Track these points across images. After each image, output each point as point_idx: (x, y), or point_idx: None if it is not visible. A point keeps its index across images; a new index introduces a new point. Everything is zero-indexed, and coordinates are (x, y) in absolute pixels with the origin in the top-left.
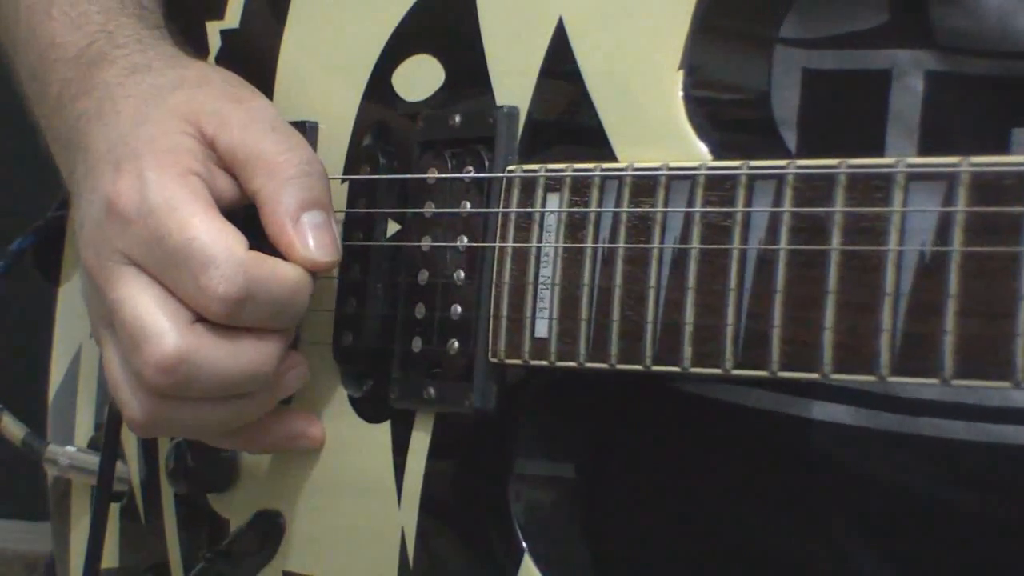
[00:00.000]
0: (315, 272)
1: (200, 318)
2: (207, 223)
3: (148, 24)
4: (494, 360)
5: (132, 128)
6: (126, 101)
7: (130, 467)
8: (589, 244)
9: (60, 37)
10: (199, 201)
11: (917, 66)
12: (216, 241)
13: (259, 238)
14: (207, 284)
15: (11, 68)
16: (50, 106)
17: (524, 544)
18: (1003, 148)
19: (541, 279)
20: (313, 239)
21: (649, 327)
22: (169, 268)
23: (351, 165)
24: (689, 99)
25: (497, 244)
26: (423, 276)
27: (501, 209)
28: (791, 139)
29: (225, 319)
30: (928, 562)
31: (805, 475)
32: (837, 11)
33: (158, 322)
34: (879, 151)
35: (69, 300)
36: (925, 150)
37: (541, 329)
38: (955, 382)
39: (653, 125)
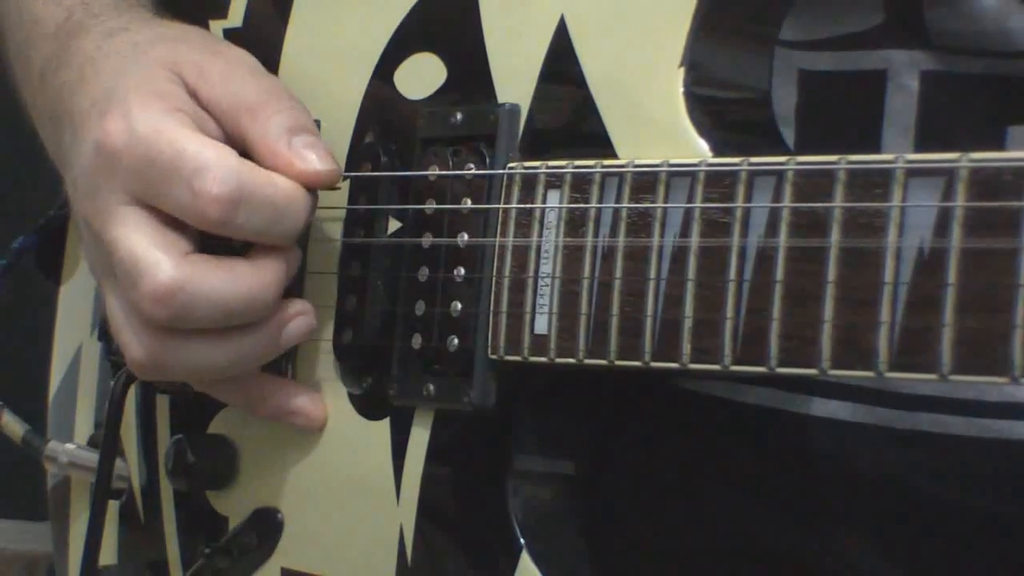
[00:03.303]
0: (317, 187)
1: (194, 250)
2: (196, 137)
3: None
4: (494, 357)
5: (114, 81)
6: (106, 61)
7: (129, 464)
8: (589, 240)
9: (41, 14)
10: (187, 126)
11: (912, 66)
12: (206, 149)
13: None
14: (201, 187)
15: (3, 54)
16: (34, 83)
17: (522, 541)
18: (999, 146)
19: (541, 275)
20: (310, 153)
21: (648, 323)
22: (162, 185)
23: (353, 163)
24: (690, 97)
25: (497, 241)
26: (423, 273)
27: (502, 205)
28: (789, 139)
29: (222, 224)
30: (927, 558)
31: (804, 471)
32: (832, 13)
33: (152, 254)
34: (876, 151)
35: (70, 299)
36: (921, 149)
37: (541, 325)
38: (953, 378)
39: (654, 123)
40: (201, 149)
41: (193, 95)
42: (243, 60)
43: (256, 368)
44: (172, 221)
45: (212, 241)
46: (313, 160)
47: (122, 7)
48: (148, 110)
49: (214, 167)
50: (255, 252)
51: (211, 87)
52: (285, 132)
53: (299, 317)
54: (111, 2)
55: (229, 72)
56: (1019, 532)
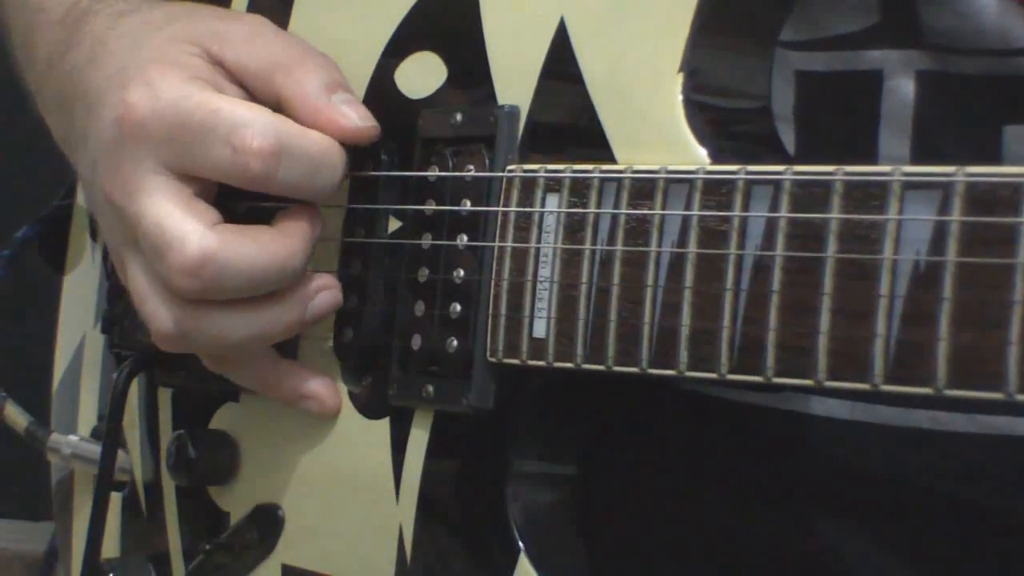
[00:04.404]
0: (358, 143)
1: (221, 220)
2: (225, 97)
3: None
4: (492, 359)
5: (129, 57)
6: (119, 40)
7: (132, 458)
8: (587, 246)
9: (47, 1)
10: (210, 91)
11: (908, 66)
12: (239, 106)
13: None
14: (241, 143)
15: (7, 42)
16: (39, 70)
17: (520, 543)
18: (995, 146)
19: (540, 279)
20: (351, 111)
21: (646, 330)
22: (197, 146)
23: (352, 162)
24: (689, 103)
25: (496, 243)
26: (423, 274)
27: (501, 208)
28: (788, 140)
29: (263, 179)
30: (928, 555)
31: (803, 470)
32: (828, 13)
33: (180, 225)
34: (872, 151)
35: (74, 289)
36: (918, 149)
37: (539, 329)
38: (948, 392)
39: (652, 128)
40: (234, 106)
41: (218, 63)
42: (263, 22)
43: (273, 351)
44: (201, 191)
45: (232, 213)
46: (353, 117)
47: None
48: (171, 77)
49: (251, 122)
50: (279, 219)
51: (236, 51)
52: (324, 89)
53: (325, 291)
54: None
55: (253, 34)
56: (1020, 529)
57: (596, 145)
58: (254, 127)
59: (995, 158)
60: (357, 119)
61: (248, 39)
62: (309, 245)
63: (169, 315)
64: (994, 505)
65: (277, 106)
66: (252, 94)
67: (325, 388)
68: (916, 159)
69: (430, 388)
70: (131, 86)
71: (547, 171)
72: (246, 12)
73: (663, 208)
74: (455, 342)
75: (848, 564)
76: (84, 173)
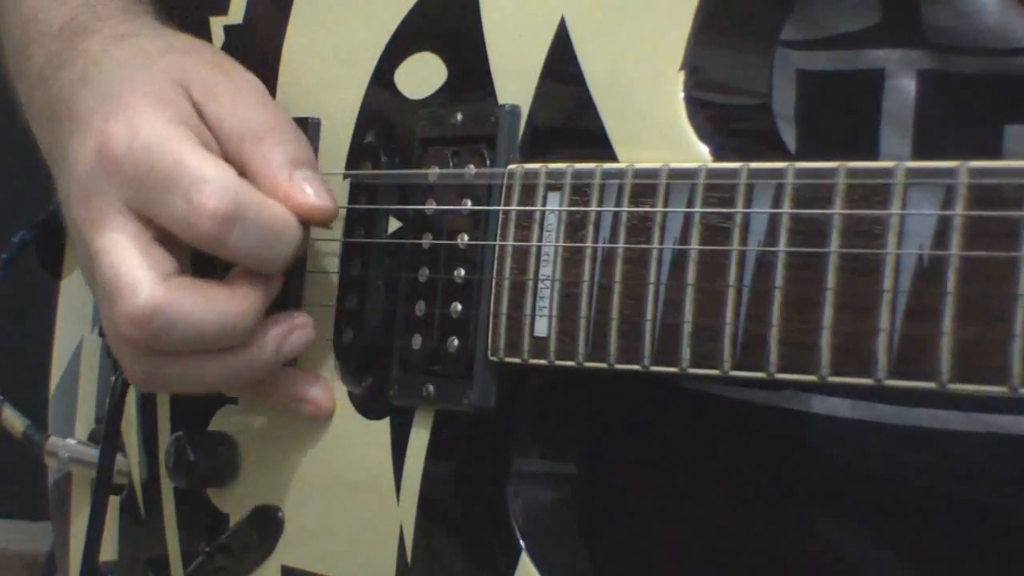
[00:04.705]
0: (312, 221)
1: (178, 271)
2: (199, 151)
3: None
4: (493, 358)
5: (120, 85)
6: (112, 63)
7: (130, 460)
8: (589, 244)
9: (43, 13)
10: (190, 139)
11: (910, 65)
12: (207, 163)
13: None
14: (198, 199)
15: (1, 53)
16: (31, 81)
17: (521, 543)
18: (996, 145)
19: (541, 278)
20: (309, 188)
21: (648, 327)
22: (158, 193)
23: (353, 162)
24: (690, 100)
25: (497, 243)
26: (423, 274)
27: (502, 207)
28: (789, 139)
29: (215, 241)
30: (928, 555)
31: (804, 470)
32: (830, 12)
33: (133, 273)
34: (873, 150)
35: (71, 293)
36: (919, 148)
37: (541, 328)
38: (952, 386)
39: (654, 126)
40: (202, 163)
41: (199, 111)
42: (252, 85)
43: None
44: (161, 237)
45: (200, 261)
46: (310, 195)
47: (130, 13)
48: (153, 118)
49: (213, 181)
50: (234, 278)
51: (219, 106)
52: (287, 163)
53: (299, 330)
54: (118, 6)
55: (238, 95)
56: (1020, 529)
57: (597, 144)
58: (213, 186)
59: (996, 157)
60: (314, 197)
61: (232, 99)
62: (262, 305)
63: (135, 360)
64: (994, 505)
65: (242, 173)
66: (225, 154)
67: (321, 391)
68: (917, 158)
69: (431, 388)
70: (113, 118)
71: (548, 169)
72: (238, 67)
73: (665, 206)
74: (456, 341)
75: (848, 564)
76: (61, 191)
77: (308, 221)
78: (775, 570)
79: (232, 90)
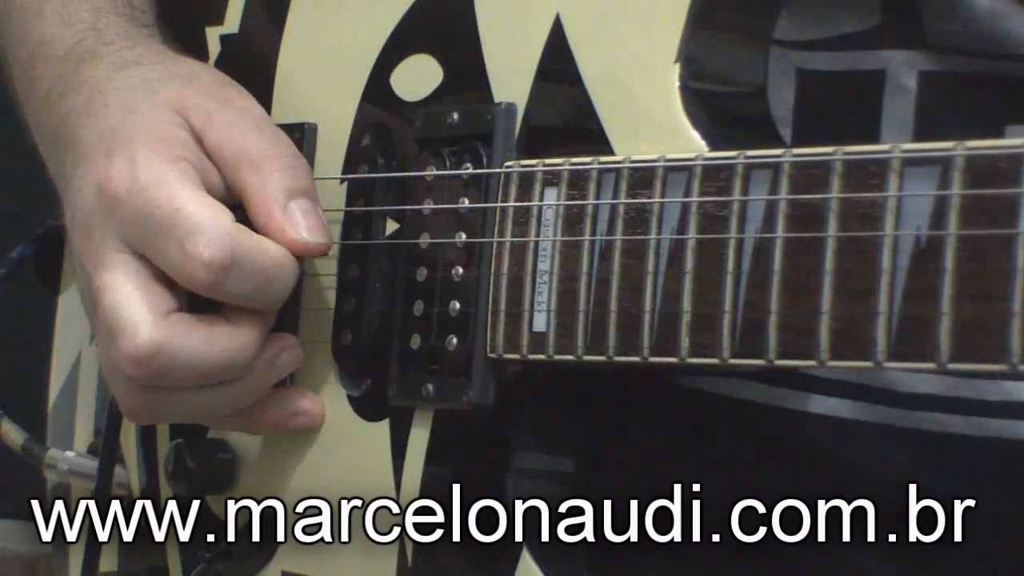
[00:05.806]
0: (305, 256)
1: (177, 308)
2: (196, 196)
3: (137, 23)
4: (492, 355)
5: (122, 118)
6: (115, 94)
7: (129, 470)
8: (587, 237)
9: (50, 35)
10: (189, 180)
11: (910, 66)
12: (203, 210)
13: None
14: (193, 249)
15: (5, 69)
16: (38, 103)
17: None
18: None
19: (539, 273)
20: (303, 222)
21: (647, 318)
22: (156, 239)
23: (350, 166)
24: (685, 92)
25: (495, 239)
26: (421, 273)
27: (499, 204)
28: (787, 139)
29: (210, 288)
30: (927, 557)
31: (804, 468)
32: (830, 13)
33: (134, 313)
34: None
35: (69, 307)
36: None
37: (539, 323)
38: (951, 366)
39: (650, 118)
40: (198, 210)
41: (199, 139)
42: (251, 110)
43: None
44: (161, 275)
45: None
46: (303, 230)
47: (134, 36)
48: (153, 158)
49: (208, 231)
50: (233, 311)
51: (217, 133)
52: (283, 193)
53: (287, 352)
54: (123, 30)
55: (236, 122)
56: (1020, 530)
57: (595, 140)
58: (208, 236)
59: None
60: (305, 231)
61: (230, 125)
62: (262, 336)
63: (129, 396)
64: (994, 508)
65: (240, 198)
66: (223, 180)
67: (309, 401)
68: None
69: (430, 387)
70: (115, 158)
71: (545, 165)
72: (241, 92)
73: (662, 196)
74: (455, 340)
75: (846, 563)
76: (67, 218)
77: (300, 254)
78: (774, 569)
79: (231, 117)
